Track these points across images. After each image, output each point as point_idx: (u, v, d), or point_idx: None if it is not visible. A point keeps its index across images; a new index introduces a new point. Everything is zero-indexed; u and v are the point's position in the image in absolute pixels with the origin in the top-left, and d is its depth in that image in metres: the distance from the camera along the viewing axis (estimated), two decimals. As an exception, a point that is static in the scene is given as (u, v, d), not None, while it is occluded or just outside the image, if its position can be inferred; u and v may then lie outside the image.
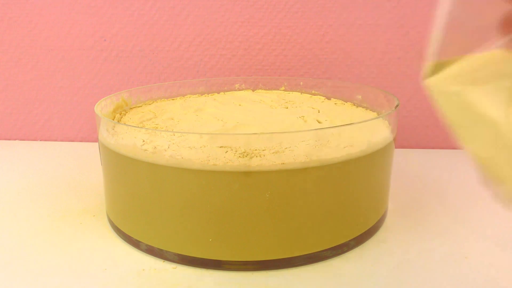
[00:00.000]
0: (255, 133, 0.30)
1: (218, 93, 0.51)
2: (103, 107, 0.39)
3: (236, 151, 0.29)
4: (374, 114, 0.41)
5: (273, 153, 0.29)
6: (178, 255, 0.32)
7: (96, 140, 0.63)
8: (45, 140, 0.64)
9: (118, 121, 0.39)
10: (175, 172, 0.30)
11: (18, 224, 0.38)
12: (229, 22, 0.58)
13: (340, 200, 0.32)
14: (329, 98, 0.48)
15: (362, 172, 0.33)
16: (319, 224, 0.32)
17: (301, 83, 0.51)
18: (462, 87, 0.21)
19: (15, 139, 0.64)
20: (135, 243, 0.34)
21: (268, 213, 0.30)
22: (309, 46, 0.57)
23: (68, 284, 0.30)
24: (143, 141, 0.31)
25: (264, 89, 0.52)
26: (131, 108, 0.44)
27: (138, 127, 0.33)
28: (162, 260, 0.33)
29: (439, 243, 0.35)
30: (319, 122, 0.37)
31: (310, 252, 0.32)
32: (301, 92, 0.50)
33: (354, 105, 0.45)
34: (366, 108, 0.43)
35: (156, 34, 0.59)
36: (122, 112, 0.42)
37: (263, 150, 0.29)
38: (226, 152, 0.29)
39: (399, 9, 0.55)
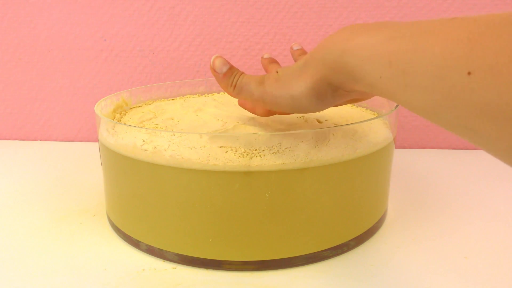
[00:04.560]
0: (255, 133, 0.30)
1: (218, 93, 0.51)
2: (103, 107, 0.39)
3: (236, 151, 0.29)
4: (374, 114, 0.41)
5: (273, 153, 0.29)
6: (178, 255, 0.32)
7: (96, 140, 0.63)
8: (45, 140, 0.64)
9: (118, 121, 0.39)
10: (175, 172, 0.30)
11: (18, 224, 0.38)
12: (229, 22, 0.58)
13: (340, 200, 0.32)
14: (329, 98, 0.48)
15: (362, 172, 0.33)
16: (319, 224, 0.32)
17: (301, 83, 0.51)
18: None
19: (15, 139, 0.64)
20: (135, 243, 0.34)
21: (268, 213, 0.30)
22: (309, 46, 0.57)
23: (68, 284, 0.30)
24: (143, 141, 0.31)
25: (264, 89, 0.52)
26: (131, 108, 0.44)
27: (138, 127, 0.33)
28: (162, 260, 0.33)
29: (439, 243, 0.35)
30: (319, 122, 0.37)
31: (310, 252, 0.32)
32: (301, 92, 0.50)
33: (354, 105, 0.45)
34: (366, 108, 0.43)
35: (156, 34, 0.59)
36: (122, 112, 0.42)
37: (263, 150, 0.29)
38: (226, 152, 0.29)
39: (399, 9, 0.55)
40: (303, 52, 0.38)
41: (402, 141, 0.60)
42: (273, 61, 0.38)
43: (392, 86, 0.21)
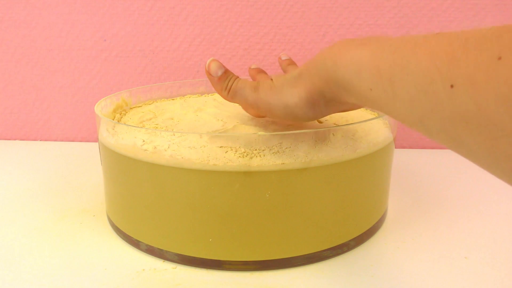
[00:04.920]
0: (255, 133, 0.30)
1: (218, 93, 0.51)
2: (103, 107, 0.39)
3: (236, 151, 0.29)
4: (374, 114, 0.41)
5: (273, 153, 0.29)
6: (178, 255, 0.32)
7: (96, 140, 0.63)
8: (45, 140, 0.64)
9: (118, 121, 0.39)
10: (175, 172, 0.30)
11: (18, 224, 0.38)
12: (229, 22, 0.58)
13: (340, 200, 0.32)
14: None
15: (362, 172, 0.33)
16: (319, 224, 0.32)
17: (301, 83, 0.51)
18: None
19: (15, 139, 0.65)
20: (135, 243, 0.34)
21: (268, 213, 0.30)
22: (309, 46, 0.57)
23: (68, 284, 0.30)
24: (143, 141, 0.31)
25: (264, 89, 0.52)
26: (131, 108, 0.44)
27: (138, 127, 0.33)
28: (162, 260, 0.33)
29: (439, 243, 0.35)
30: (319, 122, 0.37)
31: (310, 252, 0.32)
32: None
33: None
34: (366, 108, 0.43)
35: (156, 34, 0.59)
36: (122, 112, 0.42)
37: (263, 150, 0.29)
38: (226, 152, 0.29)
39: (399, 9, 0.55)
40: (291, 62, 0.40)
41: (402, 141, 0.60)
42: (260, 71, 0.39)
43: (382, 97, 0.22)
